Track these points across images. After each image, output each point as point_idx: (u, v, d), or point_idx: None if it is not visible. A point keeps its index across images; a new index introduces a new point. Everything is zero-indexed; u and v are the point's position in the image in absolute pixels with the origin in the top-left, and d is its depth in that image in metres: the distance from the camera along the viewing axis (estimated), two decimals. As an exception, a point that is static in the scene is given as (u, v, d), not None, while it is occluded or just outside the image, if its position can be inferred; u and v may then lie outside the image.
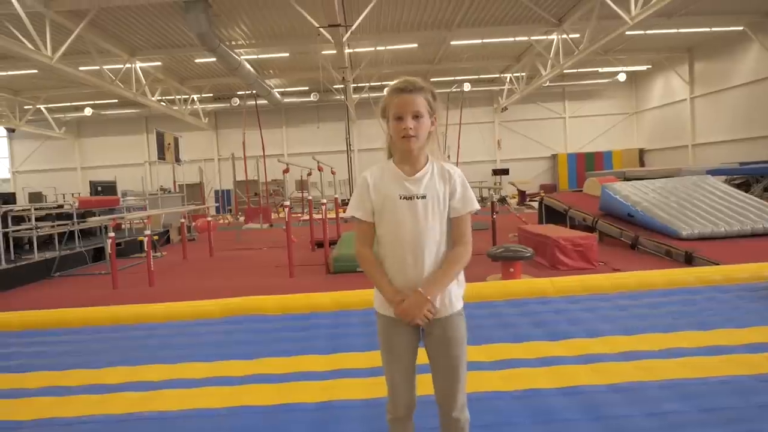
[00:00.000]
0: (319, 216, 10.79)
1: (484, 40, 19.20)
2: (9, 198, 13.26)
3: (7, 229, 9.52)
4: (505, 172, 26.97)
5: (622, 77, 25.08)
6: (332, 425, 2.89)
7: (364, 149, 28.27)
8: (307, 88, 25.79)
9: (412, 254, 2.01)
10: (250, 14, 15.46)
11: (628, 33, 15.43)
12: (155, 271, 8.73)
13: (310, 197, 10.54)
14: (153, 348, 4.24)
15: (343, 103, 23.49)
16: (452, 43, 19.24)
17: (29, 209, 10.77)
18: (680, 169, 14.53)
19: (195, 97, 25.22)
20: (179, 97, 23.85)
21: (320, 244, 10.75)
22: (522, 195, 23.46)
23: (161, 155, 16.07)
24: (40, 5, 12.70)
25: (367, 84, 24.13)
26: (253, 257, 11.21)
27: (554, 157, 28.73)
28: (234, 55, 17.01)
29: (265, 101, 24.38)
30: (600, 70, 25.02)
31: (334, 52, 16.53)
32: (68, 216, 11.66)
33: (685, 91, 23.78)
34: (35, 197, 19.08)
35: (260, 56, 19.84)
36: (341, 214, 13.38)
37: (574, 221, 10.83)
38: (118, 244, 10.68)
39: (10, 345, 4.51)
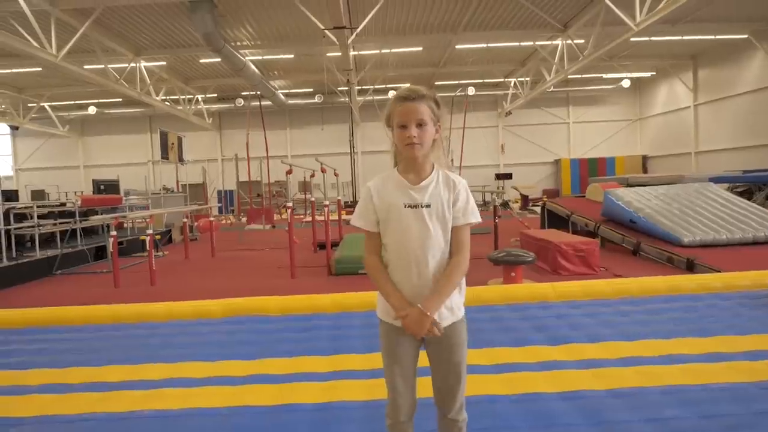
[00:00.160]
0: (322, 218, 10.80)
1: (489, 44, 19.22)
2: (11, 195, 13.25)
3: (9, 227, 9.50)
4: (508, 176, 26.94)
5: (626, 83, 25.05)
6: (332, 426, 2.91)
7: (368, 152, 28.26)
8: (311, 89, 25.82)
9: (417, 261, 2.03)
10: (255, 15, 15.50)
11: (632, 39, 15.43)
12: (157, 271, 8.72)
13: (312, 199, 10.55)
14: (154, 347, 4.24)
15: (347, 105, 23.52)
16: (457, 46, 19.24)
17: (31, 207, 10.78)
18: (683, 176, 14.52)
19: (199, 97, 25.30)
20: (183, 97, 23.91)
21: (322, 246, 10.75)
22: (525, 200, 23.43)
23: (164, 155, 16.06)
24: (45, 3, 12.75)
25: (372, 86, 24.17)
26: (255, 258, 11.21)
27: (557, 162, 28.73)
28: (239, 55, 17.04)
29: (270, 102, 24.43)
30: (604, 76, 25.04)
31: (339, 54, 16.54)
32: (71, 214, 11.64)
33: (689, 98, 23.76)
34: (38, 195, 19.12)
35: (265, 57, 19.91)
36: (344, 217, 13.40)
37: (577, 226, 10.83)
38: (120, 243, 10.69)
39: (11, 342, 4.52)
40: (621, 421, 2.80)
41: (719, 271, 6.45)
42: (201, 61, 19.95)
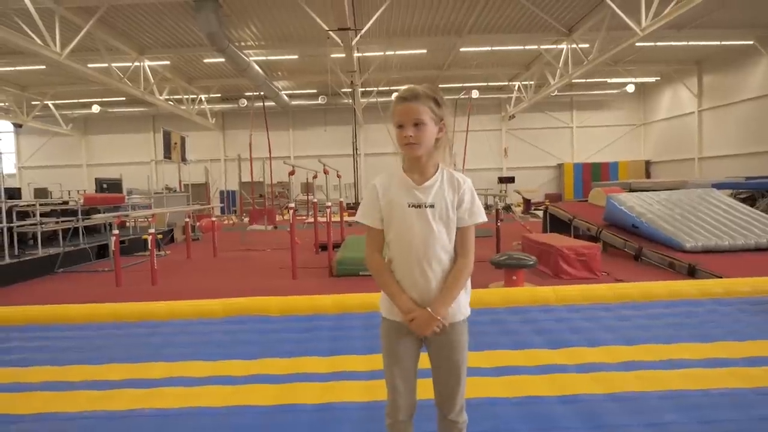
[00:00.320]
0: (324, 219, 10.81)
1: (494, 48, 19.21)
2: (14, 193, 13.26)
3: (11, 224, 9.53)
4: (511, 180, 26.95)
5: (630, 88, 25.04)
6: (332, 426, 2.91)
7: (371, 153, 28.28)
8: (315, 90, 25.81)
9: (421, 261, 2.04)
10: (260, 15, 15.50)
11: (638, 44, 15.42)
12: (159, 270, 8.74)
13: (315, 200, 10.57)
14: (155, 346, 4.24)
15: (350, 107, 23.56)
16: (462, 49, 19.25)
17: (34, 204, 10.81)
18: (686, 182, 14.51)
19: (203, 97, 25.33)
20: (187, 96, 23.91)
21: (324, 247, 10.77)
22: (527, 203, 23.42)
23: (167, 154, 16.08)
24: (49, 1, 12.76)
25: (376, 88, 24.17)
26: (256, 258, 11.23)
27: (560, 166, 28.71)
28: (243, 56, 17.04)
29: (273, 103, 24.44)
30: (609, 80, 25.02)
31: (343, 55, 16.54)
32: (73, 212, 11.69)
33: (693, 104, 23.75)
34: (41, 193, 19.19)
35: (269, 58, 19.92)
36: (346, 218, 13.41)
37: (579, 231, 10.83)
38: (122, 242, 10.71)
39: (12, 339, 4.53)
40: (620, 426, 2.80)
41: (720, 277, 6.44)
42: (205, 60, 19.96)
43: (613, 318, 4.60)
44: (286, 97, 24.73)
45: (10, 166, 29.36)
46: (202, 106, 25.67)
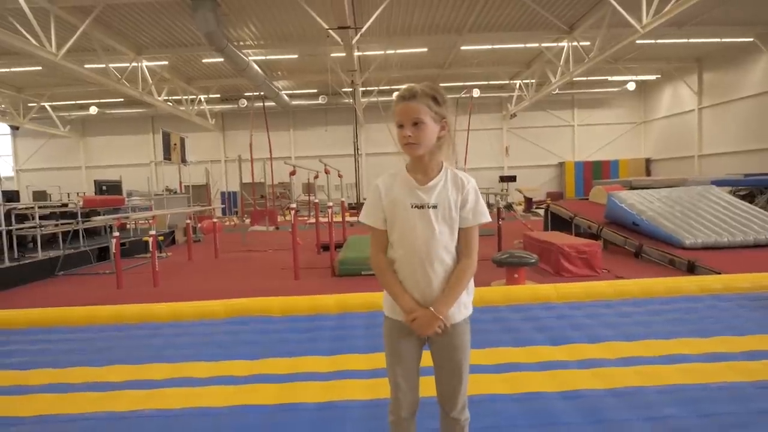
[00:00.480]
0: (326, 219, 10.82)
1: (495, 46, 19.17)
2: (12, 196, 13.24)
3: (10, 227, 9.46)
4: (513, 179, 26.94)
5: (631, 86, 25.06)
6: (334, 425, 2.93)
7: (372, 153, 28.26)
8: (315, 90, 25.76)
9: (423, 261, 2.04)
10: (259, 14, 15.40)
11: (638, 42, 15.42)
12: (160, 272, 8.71)
13: (316, 200, 10.59)
14: (157, 347, 4.26)
15: (351, 106, 23.53)
16: (462, 48, 19.22)
17: (33, 207, 10.78)
18: (686, 179, 14.54)
19: (202, 97, 25.20)
20: (186, 97, 23.80)
21: (326, 247, 10.79)
22: (528, 202, 23.43)
23: (167, 155, 16.03)
24: (44, 0, 12.61)
25: (376, 88, 24.15)
26: (258, 259, 11.24)
27: (561, 164, 28.70)
28: (242, 55, 16.95)
29: (273, 103, 24.39)
30: (609, 78, 24.98)
31: (343, 54, 16.53)
32: (72, 215, 11.62)
33: (694, 102, 23.73)
34: (40, 196, 19.13)
35: (269, 57, 19.83)
36: (348, 219, 13.42)
37: (580, 229, 10.85)
38: (123, 244, 10.67)
39: (13, 342, 4.54)
40: (620, 420, 2.83)
41: (720, 273, 6.48)
42: (203, 60, 19.86)
43: (614, 314, 4.63)
44: (286, 97, 24.69)
45: (7, 169, 29.29)
46: (202, 107, 25.56)
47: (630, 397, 3.06)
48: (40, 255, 9.85)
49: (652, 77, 25.94)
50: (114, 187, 15.42)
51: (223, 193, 26.74)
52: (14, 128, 26.58)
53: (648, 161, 28.00)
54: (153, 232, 8.89)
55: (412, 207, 2.04)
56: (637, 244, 8.97)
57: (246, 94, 25.33)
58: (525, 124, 28.52)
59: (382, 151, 27.16)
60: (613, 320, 4.48)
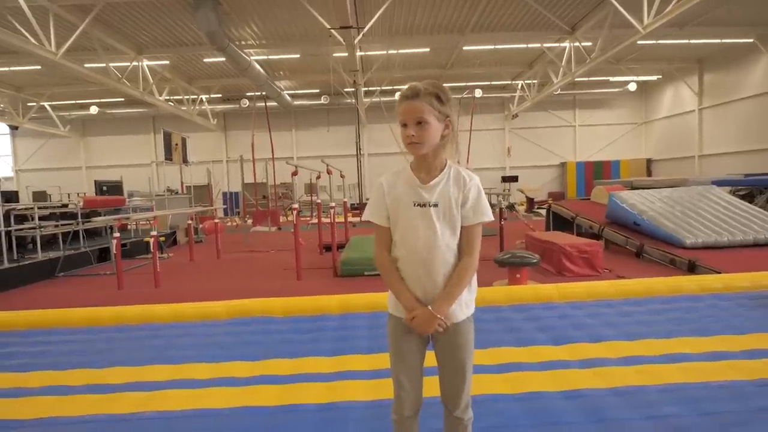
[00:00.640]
0: (328, 219, 10.83)
1: (497, 46, 19.18)
2: (12, 196, 13.11)
3: (10, 228, 9.39)
4: (514, 179, 26.93)
5: (632, 87, 25.06)
6: (336, 426, 2.93)
7: (374, 153, 28.28)
8: (317, 90, 25.73)
9: (425, 260, 2.04)
10: (260, 13, 15.35)
11: (639, 42, 15.42)
12: (161, 273, 8.65)
13: (318, 201, 10.59)
14: (158, 348, 4.25)
15: (353, 106, 23.52)
16: (464, 48, 19.23)
17: (32, 208, 10.72)
18: (686, 179, 14.55)
19: (203, 97, 25.15)
20: (187, 97, 23.71)
21: (328, 248, 10.79)
22: (530, 202, 23.45)
23: (168, 156, 15.97)
24: (43, -2, 12.51)
25: (378, 88, 24.15)
26: (260, 260, 11.22)
27: (563, 165, 28.71)
28: (244, 55, 16.89)
29: (275, 103, 24.36)
30: (611, 79, 24.98)
31: (346, 54, 16.49)
32: (73, 215, 11.52)
33: (694, 102, 23.74)
34: (40, 196, 19.00)
35: (270, 57, 19.80)
36: (350, 219, 13.42)
37: (581, 229, 10.87)
38: (124, 245, 10.63)
39: (12, 344, 4.53)
40: (621, 419, 2.85)
41: (720, 273, 6.50)
42: (205, 60, 19.81)
43: (615, 314, 4.66)
44: (288, 97, 24.65)
45: (7, 169, 29.13)
46: (203, 107, 25.47)
47: (631, 396, 3.08)
48: (40, 256, 9.78)
49: (653, 78, 25.94)
50: (115, 188, 15.38)
51: (224, 194, 26.69)
52: (13, 128, 26.46)
53: (649, 161, 28.01)
54: (154, 233, 8.84)
55: (414, 205, 2.05)
56: (638, 244, 8.98)
57: (248, 94, 25.31)
58: (527, 125, 28.51)
59: (385, 152, 27.19)
60: (615, 320, 4.50)
